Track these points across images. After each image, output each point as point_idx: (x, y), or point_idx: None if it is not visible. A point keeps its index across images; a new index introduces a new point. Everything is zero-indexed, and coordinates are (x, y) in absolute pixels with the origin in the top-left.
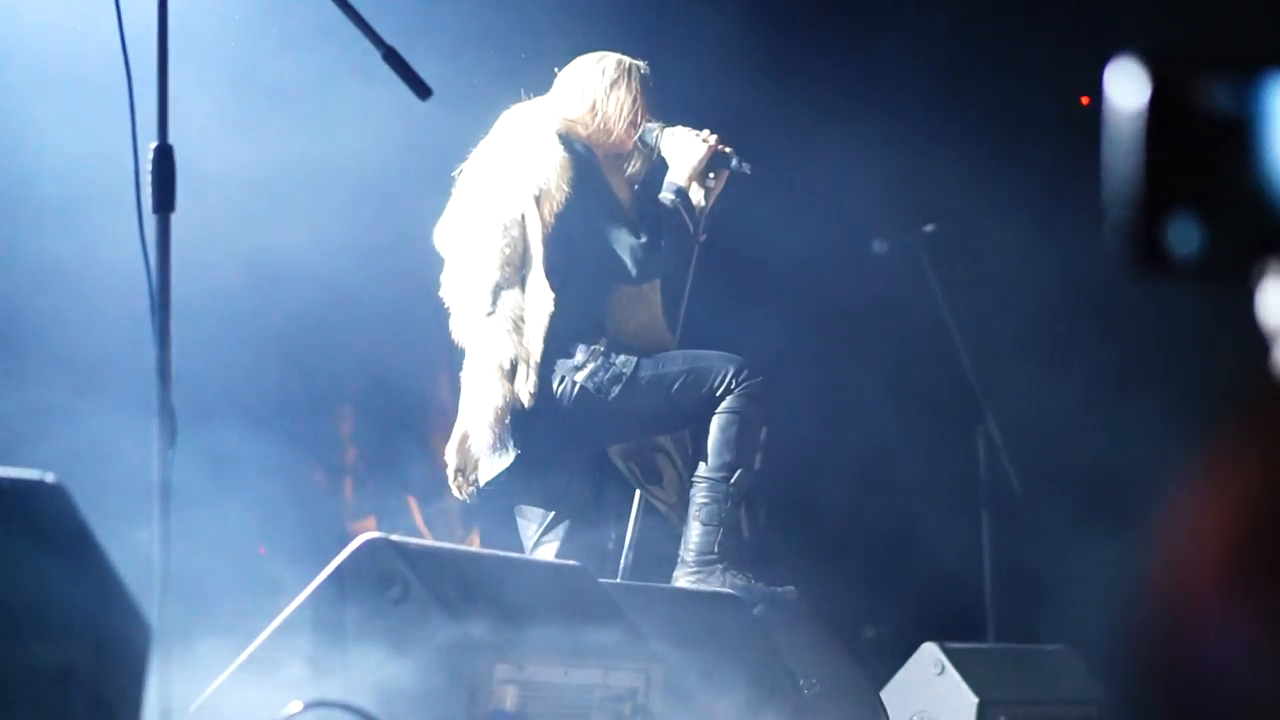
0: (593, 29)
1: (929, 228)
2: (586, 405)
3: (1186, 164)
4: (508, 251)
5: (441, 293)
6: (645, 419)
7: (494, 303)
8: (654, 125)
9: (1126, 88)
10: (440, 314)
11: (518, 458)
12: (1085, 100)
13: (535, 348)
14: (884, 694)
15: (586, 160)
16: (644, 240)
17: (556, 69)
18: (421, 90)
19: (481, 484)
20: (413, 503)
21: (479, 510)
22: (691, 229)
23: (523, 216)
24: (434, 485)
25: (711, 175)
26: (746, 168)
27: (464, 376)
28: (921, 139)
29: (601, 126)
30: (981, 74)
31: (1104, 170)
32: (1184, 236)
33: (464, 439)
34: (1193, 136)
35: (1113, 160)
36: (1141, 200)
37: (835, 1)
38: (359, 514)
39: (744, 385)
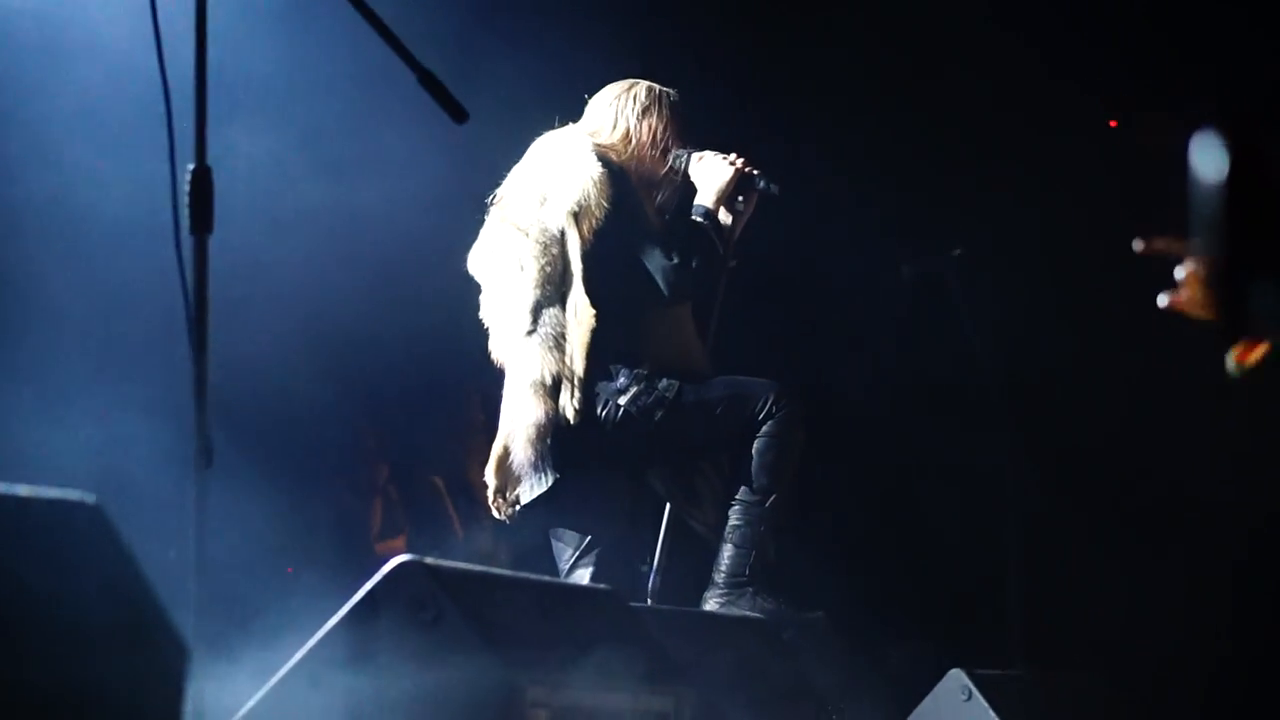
0: (614, 55)
1: (957, 252)
2: (629, 429)
3: (1270, 231)
4: (549, 270)
5: (481, 314)
6: (687, 443)
7: (534, 321)
8: (682, 152)
9: (1208, 159)
10: (473, 337)
11: (557, 480)
12: (1113, 124)
13: (578, 364)
14: None
15: (624, 178)
16: (676, 261)
17: (586, 95)
18: (458, 114)
19: (521, 504)
20: (439, 483)
21: (511, 528)
22: (720, 251)
23: (562, 233)
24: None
25: (740, 198)
26: (774, 188)
27: (504, 395)
28: (949, 162)
29: (635, 154)
30: (1010, 97)
31: (1190, 239)
32: (1270, 302)
33: (504, 456)
34: (1276, 204)
35: (1198, 229)
36: (1227, 267)
37: (861, 27)
38: (388, 534)
39: (783, 411)
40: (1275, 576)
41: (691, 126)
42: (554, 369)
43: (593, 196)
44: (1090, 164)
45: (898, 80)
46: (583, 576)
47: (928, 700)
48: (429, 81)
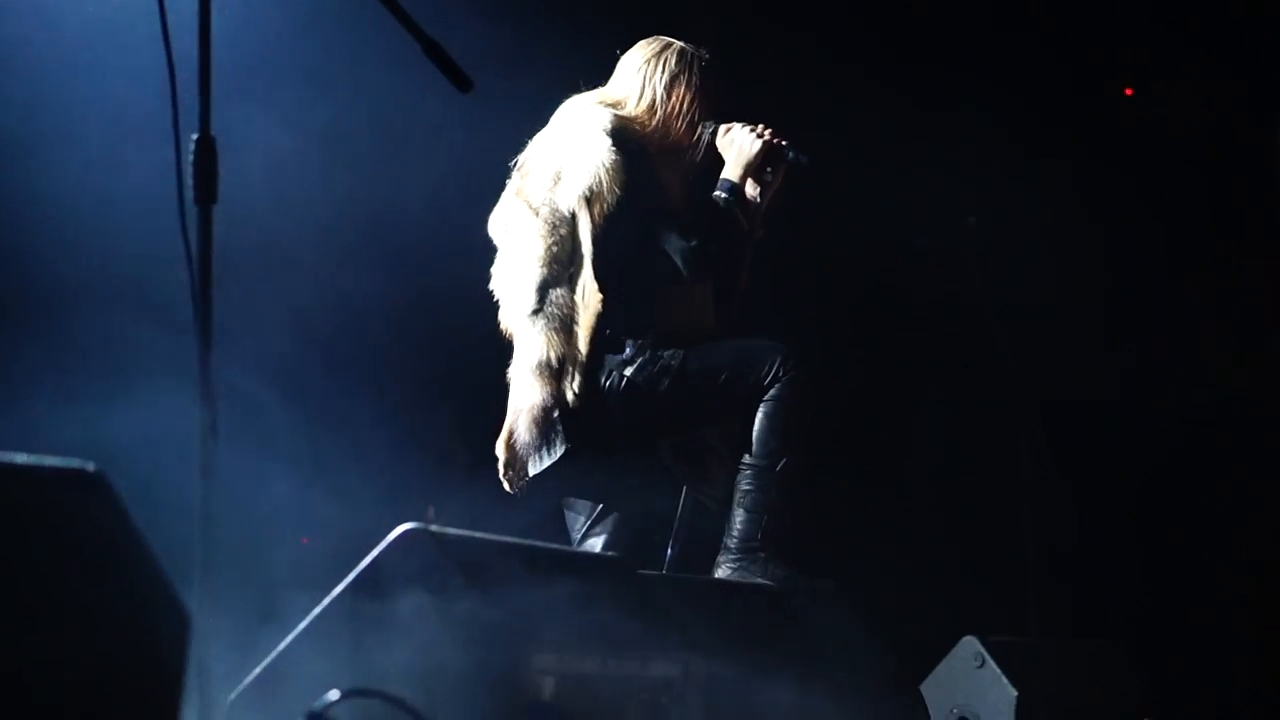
0: (636, 21)
1: (971, 220)
2: (635, 398)
3: None
4: (555, 250)
5: (491, 284)
6: (694, 410)
7: (540, 300)
8: (709, 124)
9: None
10: (489, 313)
11: (567, 451)
12: (1129, 91)
13: (583, 347)
14: (923, 687)
15: (640, 160)
16: (695, 243)
17: (618, 51)
18: (462, 83)
19: (531, 475)
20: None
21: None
22: (746, 226)
23: (573, 215)
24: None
25: (769, 170)
26: (804, 159)
27: (511, 373)
28: (964, 131)
29: (660, 125)
30: (1025, 64)
31: None
32: None
33: (511, 435)
34: None
35: None
36: None
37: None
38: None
39: (791, 373)
40: None
41: (722, 91)
42: (559, 351)
43: (604, 182)
44: (1105, 131)
45: (911, 46)
46: (595, 545)
47: (941, 667)
48: (433, 51)
